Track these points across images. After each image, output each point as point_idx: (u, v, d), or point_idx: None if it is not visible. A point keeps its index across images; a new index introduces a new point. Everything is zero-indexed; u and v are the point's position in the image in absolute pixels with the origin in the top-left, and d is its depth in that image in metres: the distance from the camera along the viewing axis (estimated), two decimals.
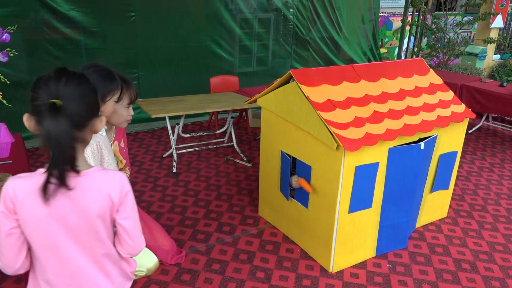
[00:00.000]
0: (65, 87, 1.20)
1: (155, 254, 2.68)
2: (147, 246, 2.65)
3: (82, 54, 4.89)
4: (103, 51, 5.03)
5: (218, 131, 4.75)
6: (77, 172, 1.24)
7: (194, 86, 5.66)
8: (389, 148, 2.67)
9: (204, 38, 5.72)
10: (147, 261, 2.63)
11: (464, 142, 4.16)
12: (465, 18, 7.88)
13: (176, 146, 4.40)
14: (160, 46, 5.40)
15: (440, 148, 3.12)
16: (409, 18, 7.71)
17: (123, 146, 2.45)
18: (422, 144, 2.79)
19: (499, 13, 8.41)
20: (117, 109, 2.03)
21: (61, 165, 1.18)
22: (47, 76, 1.21)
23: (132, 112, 2.16)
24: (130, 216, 1.34)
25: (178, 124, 4.31)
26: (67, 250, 1.31)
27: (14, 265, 1.30)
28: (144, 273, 2.63)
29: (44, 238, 1.27)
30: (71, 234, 1.29)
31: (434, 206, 3.39)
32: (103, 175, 1.32)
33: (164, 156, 4.51)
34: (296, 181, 2.86)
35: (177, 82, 5.63)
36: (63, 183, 1.20)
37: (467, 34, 9.32)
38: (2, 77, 3.27)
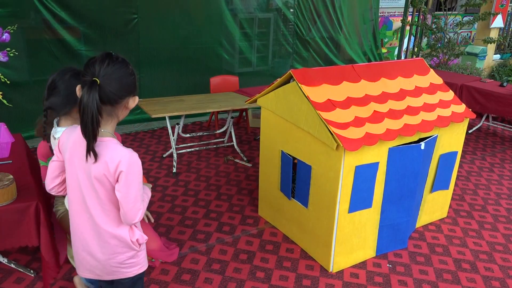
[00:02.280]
0: (105, 69, 1.46)
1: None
2: None
3: (83, 55, 4.89)
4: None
5: (218, 131, 4.75)
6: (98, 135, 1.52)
7: (194, 86, 5.67)
8: (389, 148, 2.66)
9: (204, 39, 5.72)
10: None
11: (464, 142, 4.16)
12: (465, 18, 7.88)
13: (176, 146, 4.40)
14: (161, 47, 5.41)
15: (440, 148, 3.12)
16: (409, 18, 7.71)
17: None
18: (422, 144, 2.79)
19: (499, 13, 8.41)
20: None
21: (89, 129, 1.43)
22: (95, 58, 1.48)
23: None
24: (121, 190, 1.53)
25: (178, 124, 4.31)
26: (76, 191, 1.61)
27: (48, 185, 1.73)
28: None
29: (69, 175, 1.62)
30: (81, 179, 1.58)
31: (434, 206, 3.39)
32: (113, 146, 1.52)
33: (164, 156, 4.51)
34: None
35: (177, 82, 5.63)
36: (90, 145, 1.47)
37: (467, 34, 9.32)
38: (2, 77, 3.27)
